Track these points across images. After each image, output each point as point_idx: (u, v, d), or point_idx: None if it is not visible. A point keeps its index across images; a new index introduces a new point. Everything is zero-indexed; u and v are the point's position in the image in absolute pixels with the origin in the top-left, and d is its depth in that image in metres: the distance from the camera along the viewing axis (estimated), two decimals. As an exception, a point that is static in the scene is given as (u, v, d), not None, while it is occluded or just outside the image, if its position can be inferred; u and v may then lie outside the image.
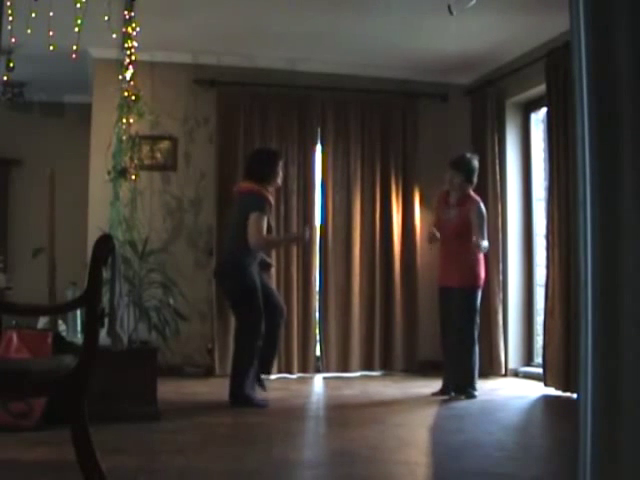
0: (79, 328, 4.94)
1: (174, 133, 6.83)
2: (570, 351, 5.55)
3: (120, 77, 5.76)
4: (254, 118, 6.87)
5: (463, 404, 5.29)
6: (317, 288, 7.00)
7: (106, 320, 2.82)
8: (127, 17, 5.47)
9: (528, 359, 6.84)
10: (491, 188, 6.75)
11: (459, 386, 5.50)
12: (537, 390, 5.90)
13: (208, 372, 6.58)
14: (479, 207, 5.55)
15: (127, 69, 5.69)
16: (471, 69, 7.14)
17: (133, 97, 5.72)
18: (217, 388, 5.63)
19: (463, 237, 5.50)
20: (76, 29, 4.81)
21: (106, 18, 4.99)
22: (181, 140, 6.86)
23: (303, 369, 6.84)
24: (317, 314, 6.99)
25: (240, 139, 6.80)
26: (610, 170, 1.07)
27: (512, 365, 6.78)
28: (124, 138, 5.73)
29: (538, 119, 6.98)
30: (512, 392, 5.90)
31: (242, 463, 3.51)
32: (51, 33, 4.85)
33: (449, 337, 5.58)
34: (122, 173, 5.68)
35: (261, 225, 5.02)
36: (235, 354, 5.18)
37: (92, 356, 2.65)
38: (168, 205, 6.79)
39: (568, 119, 5.66)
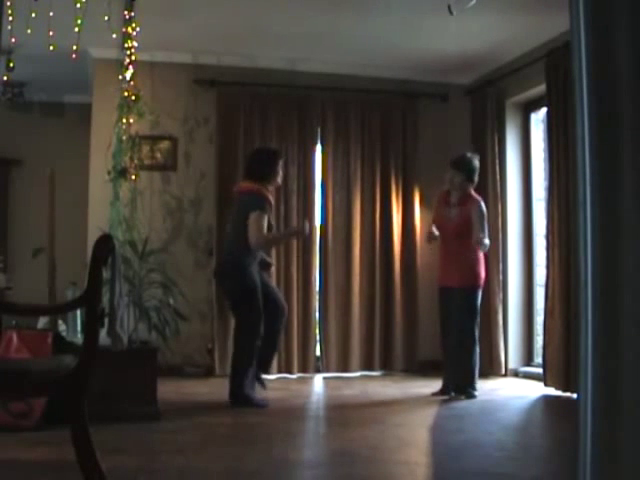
0: (79, 328, 4.94)
1: (174, 133, 6.83)
2: (570, 351, 5.55)
3: (120, 77, 5.76)
4: (254, 118, 6.87)
5: (463, 404, 5.29)
6: (317, 288, 7.00)
7: (106, 320, 2.82)
8: (127, 17, 5.47)
9: (528, 359, 6.84)
10: (491, 188, 6.76)
11: (459, 386, 5.50)
12: (537, 390, 5.90)
13: (208, 372, 6.58)
14: (480, 206, 5.55)
15: (127, 69, 5.69)
16: (471, 69, 7.14)
17: (133, 97, 5.72)
18: (217, 388, 5.63)
19: (463, 237, 5.50)
20: (76, 29, 4.81)
21: (106, 18, 4.99)
22: (181, 140, 6.86)
23: (303, 369, 6.84)
24: (317, 314, 6.99)
25: (240, 139, 6.80)
26: (610, 170, 1.07)
27: (512, 365, 6.78)
28: (124, 138, 5.73)
29: (538, 119, 6.98)
30: (512, 392, 5.90)
31: (242, 463, 3.51)
32: (51, 33, 4.85)
33: (449, 337, 5.58)
34: (122, 173, 5.68)
35: (261, 224, 5.02)
36: (234, 354, 5.18)
37: (92, 356, 2.65)
38: (168, 205, 6.79)
39: (568, 119, 5.66)
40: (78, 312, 4.88)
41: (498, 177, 6.81)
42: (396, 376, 6.80)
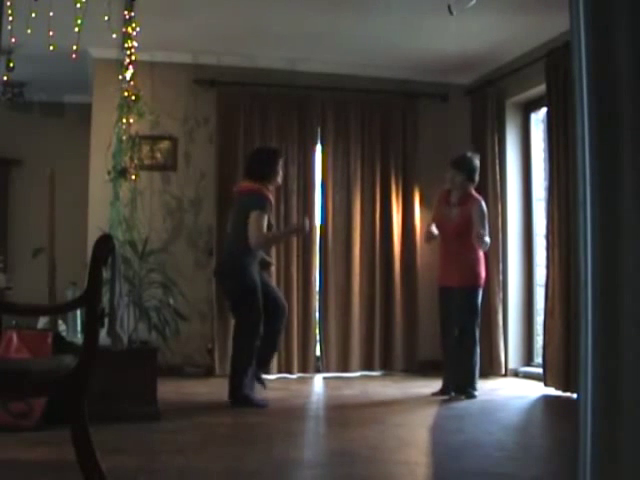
0: (79, 328, 4.94)
1: (174, 133, 6.83)
2: (570, 351, 5.55)
3: (120, 77, 5.76)
4: (254, 118, 6.87)
5: (463, 404, 5.29)
6: (317, 288, 7.00)
7: (106, 320, 2.82)
8: (127, 17, 5.47)
9: (528, 359, 6.84)
10: (491, 188, 6.76)
11: (459, 386, 5.50)
12: (537, 390, 5.90)
13: (208, 372, 6.58)
14: (480, 205, 5.55)
15: (127, 69, 5.69)
16: (471, 69, 7.14)
17: (133, 97, 5.72)
18: (217, 388, 5.62)
19: (464, 236, 5.50)
20: (76, 29, 4.81)
21: (106, 18, 4.99)
22: (181, 140, 6.86)
23: (303, 369, 6.84)
24: (317, 314, 6.99)
25: (240, 139, 6.80)
26: (610, 170, 1.07)
27: (512, 365, 6.78)
28: (124, 138, 5.73)
29: (538, 119, 6.98)
30: (512, 392, 5.90)
31: (242, 463, 3.51)
32: (51, 33, 4.85)
33: (449, 337, 5.58)
34: (122, 173, 5.68)
35: (261, 224, 5.02)
36: (234, 354, 5.18)
37: (92, 356, 2.65)
38: (168, 205, 6.79)
39: (568, 119, 5.66)
40: (78, 312, 4.88)
41: (498, 177, 6.81)
42: (396, 376, 6.80)
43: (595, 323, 1.07)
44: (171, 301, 5.39)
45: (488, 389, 5.87)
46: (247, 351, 5.04)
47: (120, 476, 3.04)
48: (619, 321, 1.05)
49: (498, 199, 6.78)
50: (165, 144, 6.81)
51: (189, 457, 3.58)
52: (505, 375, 6.69)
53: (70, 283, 5.43)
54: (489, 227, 5.74)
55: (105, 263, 2.75)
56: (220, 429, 4.41)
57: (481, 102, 7.03)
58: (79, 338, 4.69)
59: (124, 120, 5.73)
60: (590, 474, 1.07)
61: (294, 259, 6.86)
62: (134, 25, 5.54)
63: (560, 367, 5.67)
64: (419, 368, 6.91)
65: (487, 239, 5.50)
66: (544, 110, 6.40)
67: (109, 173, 5.74)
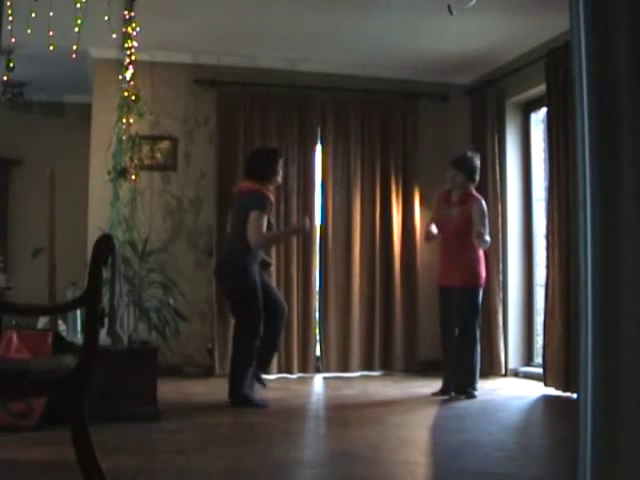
0: (79, 328, 4.94)
1: (174, 133, 6.83)
2: (570, 351, 5.55)
3: (120, 77, 5.76)
4: (254, 118, 6.87)
5: (463, 404, 5.29)
6: (317, 288, 7.00)
7: (106, 320, 2.82)
8: (127, 17, 5.47)
9: (528, 359, 6.84)
10: (491, 188, 6.75)
11: (459, 386, 5.50)
12: (537, 390, 5.90)
13: (208, 372, 6.58)
14: (481, 205, 5.56)
15: (127, 69, 5.69)
16: (471, 69, 7.14)
17: (133, 97, 5.72)
18: (217, 388, 5.63)
19: (464, 236, 5.50)
20: (76, 29, 4.81)
21: (106, 18, 4.99)
22: (181, 140, 6.86)
23: (303, 369, 6.84)
24: (317, 314, 6.99)
25: (240, 139, 6.80)
26: (610, 170, 1.07)
27: (512, 365, 6.78)
28: (124, 138, 5.73)
29: (538, 119, 6.98)
30: (512, 392, 5.90)
31: (242, 463, 3.51)
32: (51, 33, 4.85)
33: (450, 337, 5.58)
34: (122, 173, 5.68)
35: (261, 224, 5.01)
36: (233, 354, 5.18)
37: (92, 356, 2.65)
38: (168, 205, 6.79)
39: (568, 119, 5.66)
40: (78, 312, 4.88)
41: (498, 177, 6.81)
42: (396, 376, 6.80)
43: (595, 323, 1.07)
44: (171, 301, 5.39)
45: (488, 389, 5.87)
46: (247, 351, 5.04)
47: (120, 476, 3.04)
48: (619, 321, 1.05)
49: (498, 199, 6.78)
50: (165, 144, 6.81)
51: (189, 457, 3.58)
52: (505, 375, 6.69)
53: (70, 283, 5.43)
54: (489, 227, 5.74)
55: (105, 263, 2.75)
56: (220, 429, 4.41)
57: (481, 102, 7.03)
58: (79, 338, 4.69)
59: (124, 120, 5.73)
60: (590, 474, 1.07)
61: (294, 259, 6.86)
62: (134, 25, 5.54)
63: (560, 367, 5.67)
64: (419, 368, 6.91)
65: (487, 238, 5.50)
66: (544, 110, 6.40)
67: (109, 173, 5.74)
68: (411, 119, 7.24)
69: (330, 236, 7.00)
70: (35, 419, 4.00)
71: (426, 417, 4.85)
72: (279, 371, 6.67)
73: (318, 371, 6.90)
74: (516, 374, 6.72)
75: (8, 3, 4.56)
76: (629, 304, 1.04)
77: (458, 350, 5.51)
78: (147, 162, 6.62)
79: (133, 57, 5.68)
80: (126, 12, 5.45)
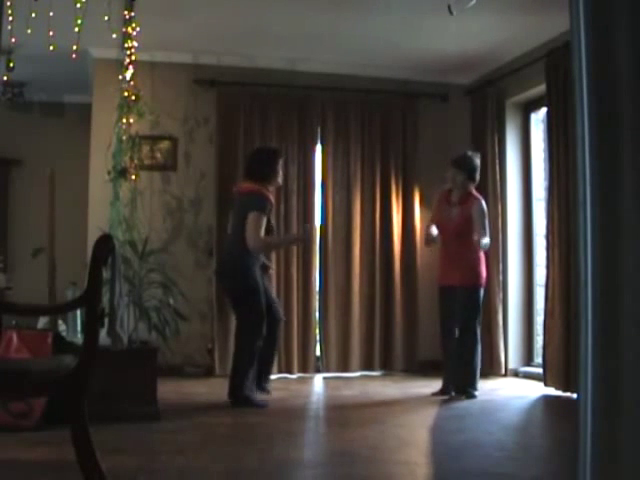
0: (79, 328, 4.94)
1: (174, 133, 6.83)
2: (570, 351, 5.55)
3: (120, 77, 5.76)
4: (254, 118, 6.87)
5: (463, 404, 5.29)
6: (317, 288, 7.00)
7: (106, 320, 2.82)
8: (127, 17, 5.47)
9: (528, 359, 6.84)
10: (491, 188, 6.75)
11: (459, 386, 5.50)
12: (537, 390, 5.90)
13: (208, 372, 6.58)
14: (480, 205, 5.56)
15: (127, 69, 5.69)
16: (471, 69, 7.14)
17: (133, 97, 5.72)
18: (217, 388, 5.63)
19: (464, 236, 5.50)
20: (76, 29, 4.81)
21: (106, 18, 4.99)
22: (181, 140, 6.86)
23: (303, 369, 6.84)
24: (317, 314, 6.99)
25: (240, 139, 6.80)
26: (610, 170, 1.07)
27: (512, 365, 6.78)
28: (124, 138, 5.73)
29: (538, 119, 6.98)
30: (512, 392, 5.90)
31: (242, 463, 3.51)
32: (51, 33, 4.85)
33: (450, 337, 5.57)
34: (122, 173, 5.68)
35: (259, 225, 5.00)
36: (235, 354, 5.18)
37: (92, 356, 2.65)
38: (168, 205, 6.79)
39: (568, 119, 5.66)
40: (78, 312, 4.88)
41: (498, 177, 6.81)
42: (396, 376, 6.80)
43: (595, 323, 1.07)
44: (171, 301, 5.39)
45: (488, 389, 5.87)
46: (248, 351, 5.03)
47: (120, 476, 3.04)
48: (619, 321, 1.05)
49: (498, 199, 6.78)
50: (165, 144, 6.81)
51: (189, 457, 3.58)
52: (505, 375, 6.69)
53: (70, 283, 5.43)
54: (489, 227, 5.74)
55: (105, 263, 2.75)
56: (220, 429, 4.41)
57: (481, 102, 7.03)
58: (79, 338, 4.69)
59: (124, 120, 5.73)
60: (590, 474, 1.07)
61: (294, 259, 6.86)
62: (134, 25, 5.54)
63: (560, 367, 5.67)
64: (419, 368, 6.91)
65: (487, 239, 5.50)
66: (544, 110, 6.40)
67: (109, 173, 5.74)
68: (411, 119, 7.24)
69: (330, 236, 7.00)
70: (35, 419, 4.00)
71: (426, 417, 4.85)
72: (279, 371, 6.66)
73: (318, 371, 6.90)
74: (516, 374, 6.73)
75: (8, 3, 4.56)
76: (629, 304, 1.04)
77: (459, 350, 5.51)
78: (147, 162, 6.62)
79: (133, 57, 5.68)
80: (126, 12, 5.45)
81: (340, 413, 5.10)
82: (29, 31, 4.78)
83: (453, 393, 5.52)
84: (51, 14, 4.70)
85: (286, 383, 6.36)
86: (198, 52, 6.80)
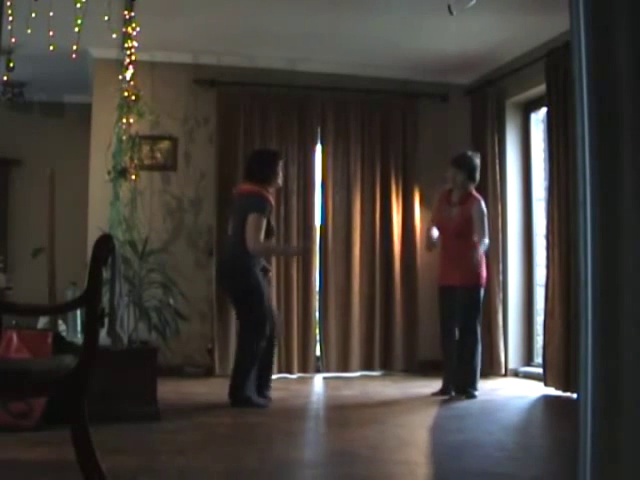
0: (79, 328, 4.93)
1: (174, 133, 6.83)
2: (570, 351, 5.55)
3: (120, 77, 5.76)
4: (254, 118, 6.87)
5: (463, 404, 5.29)
6: (317, 288, 7.00)
7: (106, 320, 2.82)
8: (127, 17, 5.47)
9: (528, 359, 6.84)
10: (491, 188, 6.75)
11: (459, 386, 5.50)
12: (537, 390, 5.90)
13: (208, 372, 6.58)
14: (480, 205, 5.56)
15: (127, 69, 5.69)
16: (471, 69, 7.14)
17: (133, 97, 5.73)
18: (217, 388, 5.62)
19: (464, 236, 5.50)
20: (76, 29, 4.81)
21: (106, 18, 4.99)
22: (181, 140, 6.86)
23: (303, 369, 6.84)
24: (317, 314, 6.99)
25: (240, 139, 6.80)
26: (610, 170, 1.07)
27: (512, 365, 6.78)
28: (124, 138, 5.73)
29: (538, 119, 6.98)
30: (512, 392, 5.90)
31: (242, 463, 3.51)
32: (51, 33, 4.85)
33: (450, 337, 5.57)
34: (122, 173, 5.68)
35: (259, 227, 4.99)
36: (237, 354, 5.18)
37: (92, 356, 2.65)
38: (168, 205, 6.79)
39: (568, 119, 5.66)
40: (78, 312, 4.88)
41: (498, 177, 6.81)
42: (396, 376, 6.80)
43: (595, 323, 1.07)
44: (171, 301, 5.39)
45: (488, 389, 5.87)
46: (250, 351, 5.03)
47: (120, 476, 3.04)
48: (619, 321, 1.05)
49: (498, 199, 6.78)
50: (165, 144, 6.81)
51: (189, 457, 3.58)
52: (505, 375, 6.69)
53: (70, 283, 5.43)
54: (489, 227, 5.74)
55: (105, 263, 2.74)
56: (220, 429, 4.41)
57: (481, 102, 7.03)
58: (79, 338, 4.69)
59: (124, 120, 5.73)
60: (590, 474, 1.07)
61: (294, 259, 6.85)
62: (134, 25, 5.54)
63: (560, 367, 5.67)
64: (419, 368, 6.91)
65: (486, 241, 5.49)
66: (544, 110, 6.40)
67: (109, 173, 5.74)
68: (411, 119, 7.24)
69: (330, 236, 6.99)
70: (35, 419, 3.99)
71: (426, 417, 4.85)
72: (279, 371, 6.66)
73: (318, 371, 6.90)
74: (516, 374, 6.73)
75: (8, 3, 4.56)
76: (629, 304, 1.04)
77: (459, 350, 5.51)
78: (147, 162, 6.62)
79: (133, 57, 5.68)
80: (126, 12, 5.45)
81: (340, 413, 5.10)
82: (29, 31, 4.78)
83: (453, 393, 5.52)
84: (51, 14, 4.70)
85: (286, 383, 6.36)
86: (198, 52, 6.80)
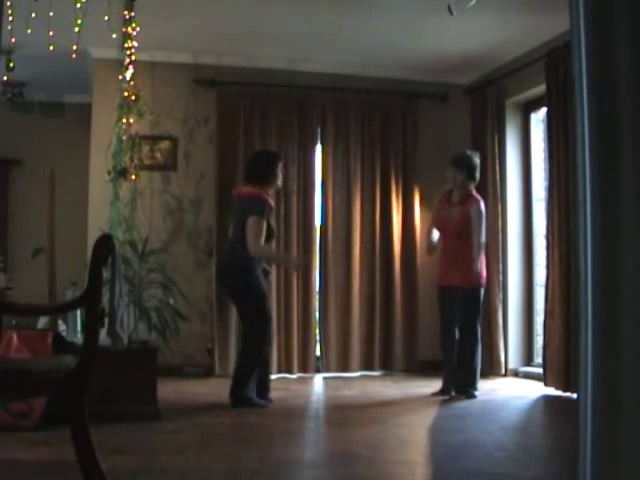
0: (79, 328, 4.94)
1: (174, 133, 6.83)
2: (570, 351, 5.55)
3: (120, 77, 5.76)
4: (254, 118, 6.87)
5: (463, 404, 5.29)
6: (317, 288, 7.00)
7: (106, 320, 2.82)
8: (127, 17, 5.47)
9: (528, 359, 6.84)
10: (491, 188, 6.75)
11: (459, 386, 5.50)
12: (537, 390, 5.90)
13: (208, 372, 6.58)
14: (479, 206, 5.56)
15: (127, 69, 5.69)
16: (471, 69, 7.14)
17: (133, 97, 5.73)
18: (217, 388, 5.62)
19: (464, 236, 5.50)
20: (76, 29, 4.81)
21: (106, 18, 4.99)
22: (181, 140, 6.86)
23: (303, 369, 6.84)
24: (317, 314, 6.99)
25: (240, 139, 6.80)
26: (610, 170, 1.07)
27: (512, 365, 6.78)
28: (124, 138, 5.73)
29: (538, 119, 6.98)
30: (512, 392, 5.90)
31: (242, 463, 3.51)
32: (51, 33, 4.85)
33: (450, 337, 5.57)
34: (122, 173, 5.68)
35: (259, 229, 4.98)
36: (240, 354, 5.18)
37: (92, 356, 2.65)
38: (168, 205, 6.79)
39: (568, 119, 5.66)
40: (78, 312, 4.88)
41: (498, 177, 6.81)
42: (396, 376, 6.80)
43: (595, 323, 1.07)
44: (171, 301, 5.39)
45: (488, 389, 5.87)
46: (253, 353, 5.02)
47: (120, 476, 3.04)
48: (619, 321, 1.05)
49: (498, 199, 6.78)
50: (165, 144, 6.81)
51: (189, 457, 3.58)
52: (505, 375, 6.69)
53: (70, 283, 5.44)
54: (487, 227, 5.75)
55: (105, 263, 2.74)
56: (220, 429, 4.41)
57: (481, 102, 7.03)
58: (79, 338, 4.69)
59: (124, 120, 5.73)
60: (590, 474, 1.07)
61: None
62: (134, 25, 5.54)
63: (560, 367, 5.67)
64: (419, 368, 6.91)
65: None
66: (544, 110, 6.40)
67: (109, 173, 5.74)
68: (411, 119, 7.24)
69: (330, 236, 6.99)
70: (35, 419, 3.99)
71: (426, 417, 4.85)
72: (279, 371, 6.66)
73: (318, 371, 6.90)
74: (516, 374, 6.73)
75: (8, 3, 4.56)
76: (629, 304, 1.04)
77: (459, 350, 5.51)
78: (147, 162, 6.62)
79: (133, 57, 5.68)
80: (126, 12, 5.45)
81: (340, 413, 5.10)
82: (29, 31, 4.78)
83: (453, 393, 5.52)
84: (51, 14, 4.70)
85: (286, 383, 6.36)
86: (198, 52, 6.80)
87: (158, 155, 6.79)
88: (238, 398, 4.97)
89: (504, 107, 6.97)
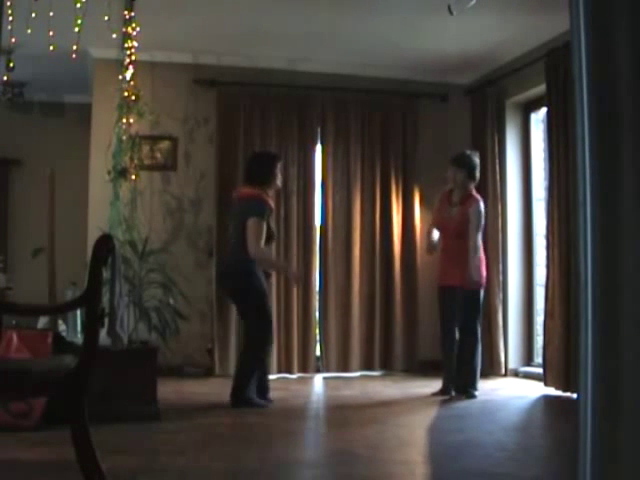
0: (79, 328, 4.94)
1: (174, 133, 6.83)
2: (570, 351, 5.55)
3: (120, 77, 5.76)
4: (254, 118, 6.87)
5: (463, 404, 5.29)
6: (317, 288, 7.00)
7: (106, 320, 2.82)
8: (127, 17, 5.47)
9: (528, 359, 6.84)
10: (491, 188, 6.76)
11: (459, 386, 5.50)
12: (537, 390, 5.90)
13: (208, 372, 6.58)
14: (478, 206, 5.55)
15: (127, 69, 5.69)
16: (471, 69, 7.14)
17: (133, 97, 5.73)
18: (217, 388, 5.63)
19: (463, 236, 5.50)
20: (76, 29, 4.81)
21: (106, 18, 4.99)
22: (181, 140, 6.86)
23: (303, 369, 6.84)
24: (317, 314, 6.99)
25: (240, 139, 6.80)
26: (610, 170, 1.07)
27: (512, 365, 6.78)
28: (124, 138, 5.73)
29: (538, 119, 6.98)
30: (512, 392, 5.90)
31: (242, 463, 3.51)
32: (51, 33, 4.85)
33: (450, 337, 5.57)
34: (122, 173, 5.68)
35: (259, 231, 4.97)
36: (242, 355, 5.17)
37: (92, 356, 2.65)
38: (168, 205, 6.79)
39: (568, 119, 5.66)
40: (78, 312, 4.88)
41: (498, 177, 6.81)
42: (396, 376, 6.80)
43: (595, 323, 1.07)
44: (171, 301, 5.39)
45: (488, 389, 5.87)
46: (252, 352, 5.02)
47: (120, 476, 3.04)
48: (619, 321, 1.05)
49: (498, 199, 6.78)
50: (165, 144, 6.81)
51: (189, 457, 3.58)
52: (505, 375, 6.69)
53: (70, 283, 5.43)
54: (486, 227, 5.75)
55: (105, 263, 2.74)
56: (220, 429, 4.41)
57: (481, 102, 7.03)
58: (79, 338, 4.69)
59: (124, 120, 5.73)
60: (590, 474, 1.07)
61: (294, 259, 6.85)
62: (134, 25, 5.54)
63: (560, 367, 5.67)
64: (419, 368, 6.91)
65: (477, 244, 5.47)
66: (544, 110, 6.40)
67: (109, 173, 5.74)
68: (411, 119, 7.24)
69: (330, 236, 6.99)
70: (35, 419, 4.00)
71: (426, 417, 4.85)
72: (279, 371, 6.67)
73: (318, 371, 6.90)
74: (516, 374, 6.73)
75: (8, 3, 4.56)
76: (629, 304, 1.04)
77: (460, 350, 5.51)
78: (147, 162, 6.62)
79: (133, 57, 5.68)
80: (126, 12, 5.45)
81: (340, 413, 5.10)
82: (29, 31, 4.78)
83: (453, 393, 5.52)
84: (51, 14, 4.70)
85: (286, 383, 6.36)
86: (198, 52, 6.80)
87: (158, 155, 6.79)
88: (239, 399, 4.97)
89: (504, 107, 6.97)
